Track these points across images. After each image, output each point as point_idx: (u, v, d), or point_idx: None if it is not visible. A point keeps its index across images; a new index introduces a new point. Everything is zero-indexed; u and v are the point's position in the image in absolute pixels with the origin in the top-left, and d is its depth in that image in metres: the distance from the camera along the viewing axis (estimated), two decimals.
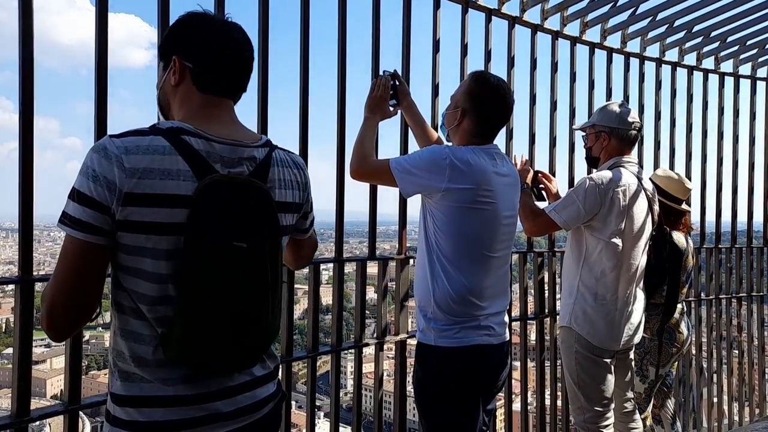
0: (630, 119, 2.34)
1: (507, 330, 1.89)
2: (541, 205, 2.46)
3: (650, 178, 2.74)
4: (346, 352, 2.55)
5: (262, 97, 2.21)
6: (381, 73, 2.15)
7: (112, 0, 1.89)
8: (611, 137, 2.35)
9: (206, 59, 1.11)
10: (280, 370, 2.19)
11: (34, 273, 1.76)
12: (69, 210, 0.98)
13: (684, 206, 2.78)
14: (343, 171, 2.37)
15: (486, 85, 1.83)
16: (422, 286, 1.81)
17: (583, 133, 2.49)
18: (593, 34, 3.53)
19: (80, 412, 1.87)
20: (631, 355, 2.44)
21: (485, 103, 1.81)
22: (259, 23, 2.22)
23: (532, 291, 3.28)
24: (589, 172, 2.59)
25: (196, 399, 1.03)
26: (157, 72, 1.20)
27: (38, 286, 1.81)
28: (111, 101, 1.92)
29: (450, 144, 1.92)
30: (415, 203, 1.94)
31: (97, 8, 1.87)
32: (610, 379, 2.31)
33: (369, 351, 2.65)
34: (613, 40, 3.63)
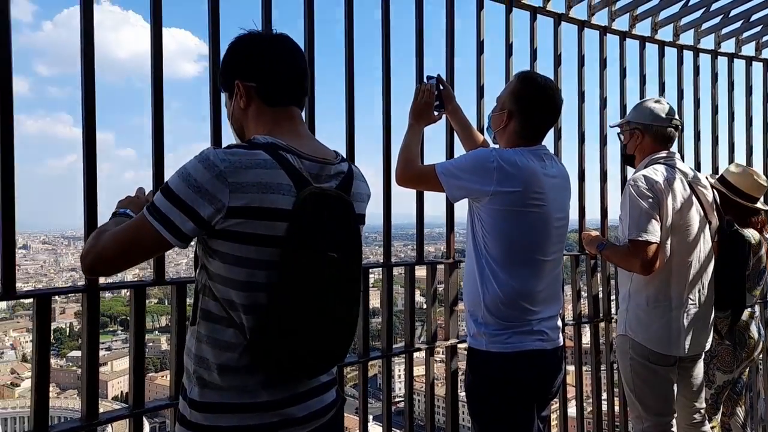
0: (666, 116, 2.22)
1: (560, 334, 1.84)
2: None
3: (723, 174, 2.63)
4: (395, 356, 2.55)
5: (310, 101, 2.23)
6: (425, 78, 2.14)
7: (165, 15, 1.96)
8: (645, 135, 2.25)
9: (267, 74, 1.15)
10: None
11: (101, 281, 1.84)
12: (156, 202, 1.03)
13: (760, 204, 2.58)
14: (389, 176, 2.38)
15: (532, 85, 1.80)
16: (472, 291, 1.78)
17: (620, 131, 2.42)
18: (643, 28, 3.42)
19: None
20: (701, 364, 2.30)
21: (532, 104, 1.78)
22: (305, 30, 2.24)
23: (585, 294, 3.20)
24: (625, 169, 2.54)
25: (272, 405, 1.07)
26: (224, 105, 1.26)
27: (104, 294, 1.89)
28: (164, 112, 1.99)
29: (496, 146, 1.90)
30: (462, 205, 1.92)
31: (152, 24, 1.95)
32: (670, 387, 2.20)
33: (417, 355, 2.64)
34: (665, 34, 3.51)
